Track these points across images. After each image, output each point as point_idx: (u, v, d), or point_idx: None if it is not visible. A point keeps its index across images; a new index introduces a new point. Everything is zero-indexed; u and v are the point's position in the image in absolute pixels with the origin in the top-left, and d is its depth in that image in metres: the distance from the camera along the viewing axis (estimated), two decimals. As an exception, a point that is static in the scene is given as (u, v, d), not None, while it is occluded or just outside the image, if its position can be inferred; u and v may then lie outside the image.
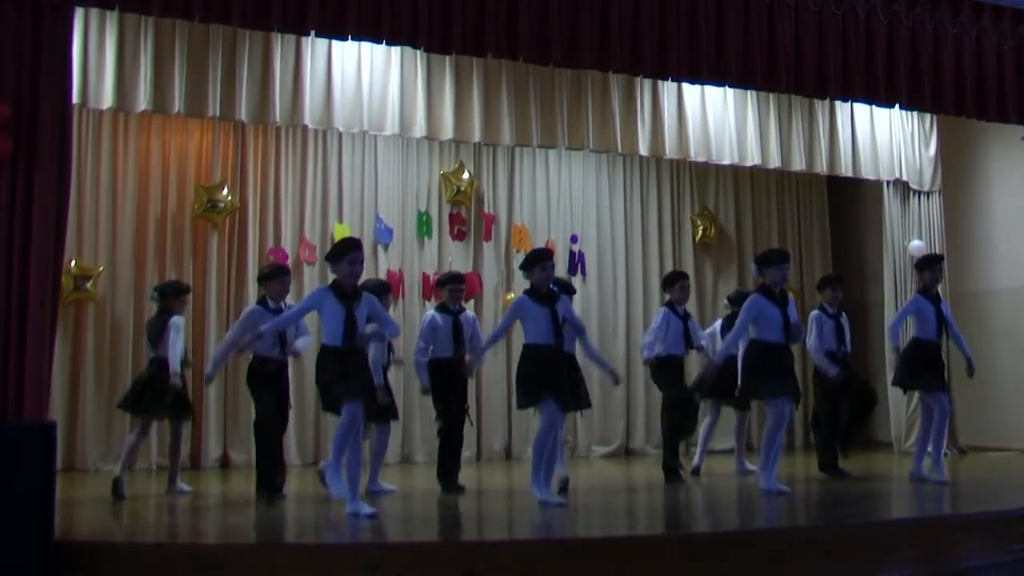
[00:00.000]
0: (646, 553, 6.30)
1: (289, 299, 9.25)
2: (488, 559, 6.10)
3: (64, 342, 10.52)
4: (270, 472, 8.60)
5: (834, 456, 10.21)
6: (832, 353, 10.07)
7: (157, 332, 8.99)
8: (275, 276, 8.93)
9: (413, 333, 11.80)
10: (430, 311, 9.49)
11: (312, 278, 11.63)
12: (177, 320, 9.04)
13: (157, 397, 8.87)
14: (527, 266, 8.26)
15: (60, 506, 6.37)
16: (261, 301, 8.85)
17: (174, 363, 8.87)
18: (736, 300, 10.30)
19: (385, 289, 9.24)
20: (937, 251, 12.56)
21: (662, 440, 10.10)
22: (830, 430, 10.22)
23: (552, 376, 7.94)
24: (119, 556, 6.11)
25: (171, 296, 9.22)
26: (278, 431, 8.79)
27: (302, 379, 10.84)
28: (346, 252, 7.51)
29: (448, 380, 9.03)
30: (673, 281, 10.19)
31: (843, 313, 10.36)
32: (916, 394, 11.86)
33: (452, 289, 9.31)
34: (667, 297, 10.28)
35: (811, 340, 10.15)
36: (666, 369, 9.86)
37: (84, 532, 6.89)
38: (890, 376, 12.48)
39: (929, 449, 9.43)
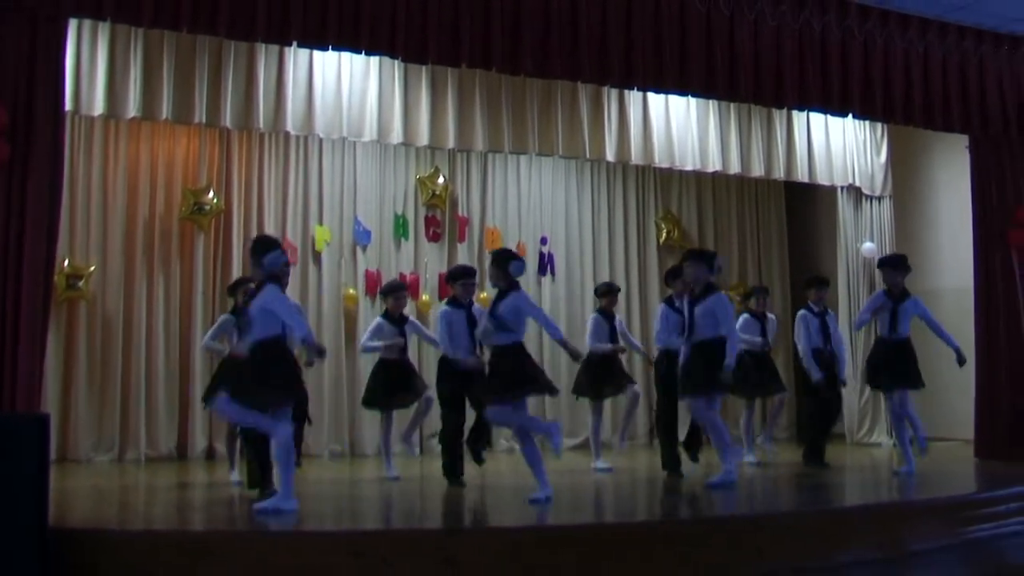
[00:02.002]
0: (617, 540, 6.32)
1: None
2: (469, 546, 6.11)
3: (57, 339, 10.47)
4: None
5: (821, 451, 10.01)
6: (818, 351, 9.82)
7: None
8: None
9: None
10: (443, 307, 8.96)
11: (293, 277, 11.59)
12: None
13: None
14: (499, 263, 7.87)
15: (54, 495, 6.33)
16: None
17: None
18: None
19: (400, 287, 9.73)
20: (887, 252, 12.69)
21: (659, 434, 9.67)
22: (816, 427, 10.13)
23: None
24: (111, 543, 6.08)
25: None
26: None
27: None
28: (273, 247, 7.26)
29: (462, 381, 8.58)
30: (677, 275, 9.56)
31: (828, 311, 10.20)
32: (868, 387, 11.95)
33: (465, 284, 8.83)
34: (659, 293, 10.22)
35: (800, 340, 9.95)
36: (664, 366, 9.34)
37: (77, 520, 6.84)
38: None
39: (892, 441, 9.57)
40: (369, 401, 9.57)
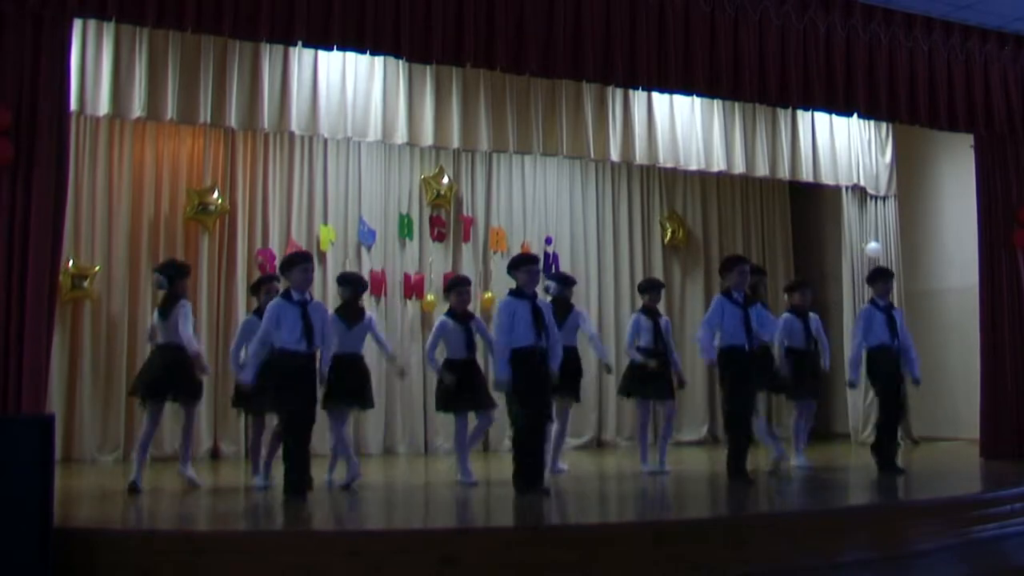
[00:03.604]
0: (616, 539, 6.32)
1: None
2: (466, 545, 6.11)
3: (62, 339, 10.49)
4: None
5: (890, 451, 9.39)
6: (885, 347, 9.27)
7: (173, 317, 8.44)
8: (297, 264, 7.97)
9: (395, 332, 11.91)
10: (505, 298, 8.34)
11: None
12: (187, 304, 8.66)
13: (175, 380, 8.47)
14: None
15: (59, 494, 6.34)
16: (285, 294, 7.96)
17: (192, 346, 8.44)
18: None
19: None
20: (892, 252, 12.68)
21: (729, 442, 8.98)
22: (890, 425, 9.46)
23: None
24: (115, 542, 6.09)
25: (179, 279, 8.69)
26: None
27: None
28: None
29: (530, 374, 7.99)
30: (731, 266, 8.97)
31: (895, 306, 9.72)
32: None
33: (529, 271, 8.22)
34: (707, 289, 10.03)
35: (854, 336, 9.53)
36: (727, 363, 8.76)
37: (82, 519, 6.87)
38: (847, 374, 12.62)
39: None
40: (443, 404, 8.98)
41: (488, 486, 8.69)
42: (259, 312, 8.58)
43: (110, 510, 7.49)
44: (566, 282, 9.99)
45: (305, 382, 7.83)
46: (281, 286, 8.45)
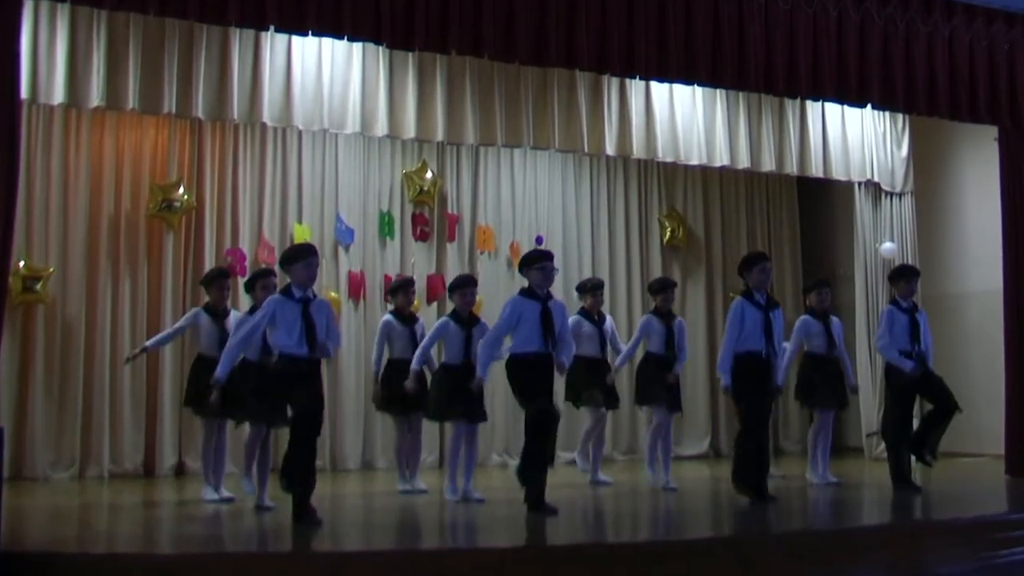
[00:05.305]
0: (615, 559, 6.30)
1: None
2: (449, 567, 6.08)
3: (12, 346, 10.40)
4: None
5: (909, 467, 9.32)
6: (906, 352, 9.21)
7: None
8: (300, 258, 7.63)
9: (375, 337, 11.85)
10: (515, 297, 8.34)
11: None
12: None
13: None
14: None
15: (7, 515, 6.29)
16: (285, 290, 7.65)
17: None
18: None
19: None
20: (909, 253, 12.65)
21: (735, 455, 8.81)
22: (901, 438, 9.35)
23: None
24: (69, 566, 6.03)
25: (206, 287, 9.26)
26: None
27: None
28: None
29: (533, 380, 7.97)
30: (751, 263, 8.77)
31: (919, 308, 9.56)
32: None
33: (543, 268, 8.19)
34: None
35: (881, 338, 9.38)
36: (742, 370, 8.56)
37: (33, 542, 6.80)
38: (859, 378, 12.60)
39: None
40: (435, 413, 9.06)
41: (475, 504, 8.66)
42: (253, 312, 8.42)
43: (65, 532, 7.44)
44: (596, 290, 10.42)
45: (308, 390, 7.45)
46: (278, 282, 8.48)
